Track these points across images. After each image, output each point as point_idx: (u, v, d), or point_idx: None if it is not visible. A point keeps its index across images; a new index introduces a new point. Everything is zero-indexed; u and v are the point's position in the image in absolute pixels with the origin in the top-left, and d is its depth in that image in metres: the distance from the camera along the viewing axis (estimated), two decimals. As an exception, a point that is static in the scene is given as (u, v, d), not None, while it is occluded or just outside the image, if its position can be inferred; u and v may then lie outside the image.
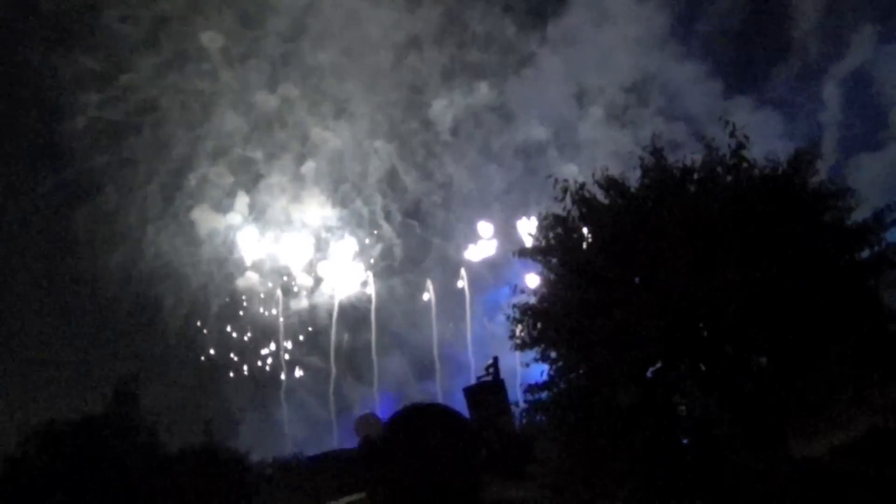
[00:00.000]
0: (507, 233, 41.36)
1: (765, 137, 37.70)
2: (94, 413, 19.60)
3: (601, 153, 37.85)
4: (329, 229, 43.35)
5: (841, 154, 39.02)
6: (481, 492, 2.23)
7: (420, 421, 2.28)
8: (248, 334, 42.69)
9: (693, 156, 13.92)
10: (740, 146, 13.03)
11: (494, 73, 43.64)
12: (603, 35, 42.42)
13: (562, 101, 42.83)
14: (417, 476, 2.11)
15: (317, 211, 44.12)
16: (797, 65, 40.74)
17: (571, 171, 38.48)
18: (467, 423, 2.30)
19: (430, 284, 42.82)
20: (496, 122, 43.84)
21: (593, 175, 13.52)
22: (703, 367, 13.30)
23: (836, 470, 12.76)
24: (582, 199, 13.44)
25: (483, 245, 42.76)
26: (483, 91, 43.17)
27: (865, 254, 13.11)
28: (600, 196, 13.60)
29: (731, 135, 13.06)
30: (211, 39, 43.47)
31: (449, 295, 42.90)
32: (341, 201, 43.86)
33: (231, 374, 41.76)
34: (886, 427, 12.99)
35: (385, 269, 43.48)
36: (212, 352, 41.53)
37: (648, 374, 13.54)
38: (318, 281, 43.51)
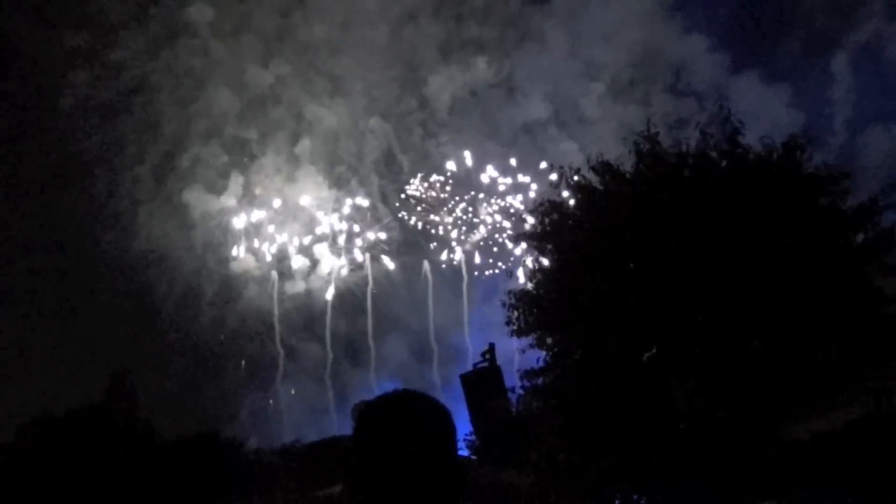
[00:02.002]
0: (506, 212, 41.66)
1: (774, 111, 38.12)
2: (90, 403, 20.07)
3: (606, 131, 38.05)
4: (324, 208, 43.76)
5: (851, 127, 39.38)
6: (462, 477, 2.21)
7: (392, 410, 2.25)
8: (244, 319, 43.21)
9: (688, 140, 14.38)
10: (735, 132, 13.44)
11: (493, 48, 43.77)
12: (608, 8, 42.46)
13: (564, 76, 42.90)
14: (390, 466, 2.13)
15: (313, 192, 44.50)
16: (806, 37, 40.91)
17: (573, 149, 39.02)
18: (442, 410, 2.28)
19: (427, 268, 43.28)
20: (495, 100, 44.01)
21: (588, 161, 13.94)
22: (698, 352, 13.78)
23: (829, 453, 13.23)
24: (577, 184, 13.87)
25: (482, 226, 43.13)
26: (481, 67, 43.34)
27: (860, 238, 13.56)
28: (596, 182, 14.03)
29: (727, 120, 13.49)
30: (201, 14, 43.59)
31: (447, 278, 43.36)
32: (337, 182, 44.26)
33: (227, 360, 42.31)
34: (879, 410, 13.46)
35: (382, 252, 43.93)
36: (207, 337, 42.02)
37: (643, 359, 14.05)
38: (314, 263, 43.98)
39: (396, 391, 2.38)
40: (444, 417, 2.28)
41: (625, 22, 42.39)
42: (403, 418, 2.22)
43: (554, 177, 14.05)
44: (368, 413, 2.29)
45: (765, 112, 38.92)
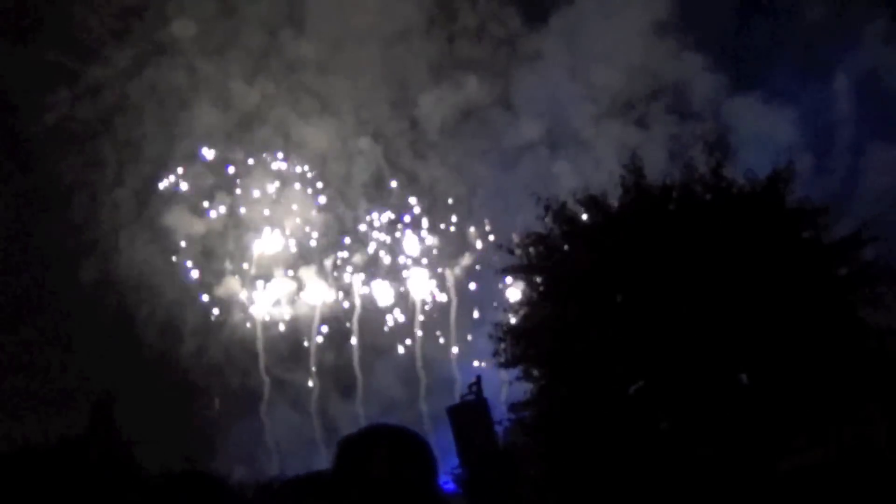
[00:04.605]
0: (497, 238, 42.19)
1: (775, 132, 38.96)
2: (69, 435, 20.48)
3: (603, 153, 38.91)
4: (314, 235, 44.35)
5: (853, 149, 40.35)
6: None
7: (370, 444, 2.43)
8: (228, 346, 43.57)
9: (687, 163, 15.17)
10: (719, 165, 14.25)
11: (487, 69, 44.42)
12: (606, 29, 43.19)
13: (560, 97, 43.47)
14: (369, 499, 2.28)
15: (300, 214, 45.13)
16: (808, 58, 41.78)
17: (568, 172, 39.77)
18: (420, 443, 2.46)
19: (416, 296, 43.88)
20: (488, 121, 44.51)
21: (574, 193, 14.73)
22: (686, 385, 14.47)
23: (819, 485, 13.86)
24: (563, 217, 14.63)
25: (470, 253, 43.85)
26: (474, 87, 44.01)
27: (844, 271, 14.35)
28: (582, 214, 14.81)
29: (710, 153, 14.30)
30: (187, 30, 44.21)
31: (437, 307, 43.89)
32: (325, 205, 44.87)
33: (211, 390, 42.58)
34: (866, 443, 14.10)
35: (370, 278, 44.43)
36: (190, 366, 42.31)
37: (630, 392, 14.72)
38: (300, 289, 44.42)
39: (376, 425, 2.64)
40: (422, 450, 2.50)
41: (623, 42, 43.18)
42: (382, 451, 2.42)
43: (540, 209, 14.76)
44: (347, 446, 2.53)
45: (765, 132, 39.94)
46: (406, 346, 43.28)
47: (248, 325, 43.98)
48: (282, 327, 44.09)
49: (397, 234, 44.60)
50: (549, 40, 44.68)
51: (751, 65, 43.16)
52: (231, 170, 45.01)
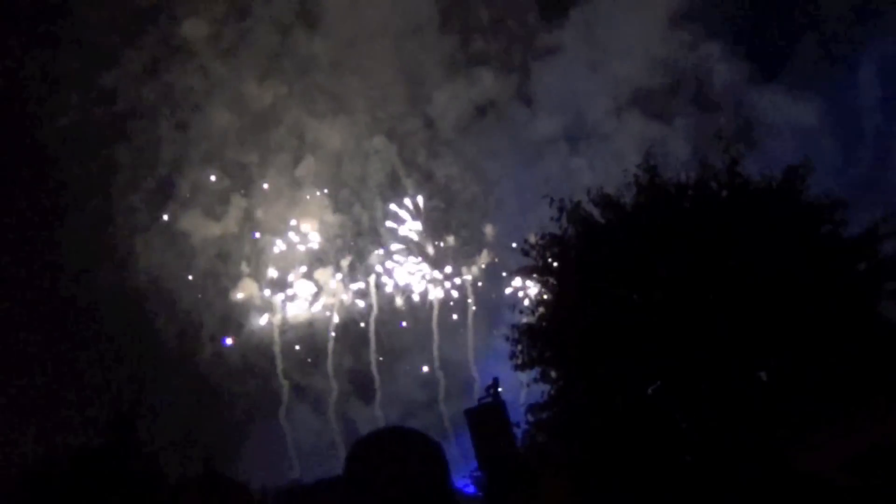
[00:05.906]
0: (513, 237, 42.20)
1: (800, 123, 38.88)
2: (91, 444, 20.82)
3: (623, 148, 38.86)
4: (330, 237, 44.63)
5: (877, 138, 40.20)
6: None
7: (381, 447, 2.45)
8: (247, 351, 43.89)
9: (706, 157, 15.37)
10: (734, 162, 14.44)
11: (502, 64, 44.50)
12: (626, 21, 43.11)
13: (578, 92, 43.37)
14: (380, 502, 2.30)
15: (316, 215, 45.39)
16: (834, 47, 41.63)
17: (586, 168, 39.85)
18: (431, 445, 2.43)
19: (433, 298, 44.06)
20: (504, 117, 44.54)
21: (588, 192, 14.95)
22: (704, 383, 14.67)
23: (840, 485, 14.00)
24: (577, 217, 14.86)
25: (488, 253, 43.96)
26: (489, 83, 44.07)
27: (862, 266, 14.50)
28: (596, 214, 15.03)
29: (725, 150, 14.49)
30: (199, 31, 44.62)
31: (454, 307, 44.06)
32: (340, 206, 45.12)
33: (230, 394, 42.89)
34: (887, 441, 14.23)
35: (387, 279, 44.61)
36: (209, 371, 42.63)
37: (649, 391, 14.95)
38: (318, 291, 44.64)
39: (386, 427, 2.67)
40: (433, 452, 2.48)
41: (644, 35, 43.10)
42: (392, 454, 2.44)
43: (554, 210, 14.99)
44: (358, 449, 2.56)
45: (789, 122, 39.90)
46: (424, 349, 43.56)
47: (266, 328, 44.32)
48: (300, 330, 44.38)
49: (413, 235, 44.84)
50: (569, 34, 44.60)
51: (773, 54, 43.00)
52: (246, 172, 45.39)
